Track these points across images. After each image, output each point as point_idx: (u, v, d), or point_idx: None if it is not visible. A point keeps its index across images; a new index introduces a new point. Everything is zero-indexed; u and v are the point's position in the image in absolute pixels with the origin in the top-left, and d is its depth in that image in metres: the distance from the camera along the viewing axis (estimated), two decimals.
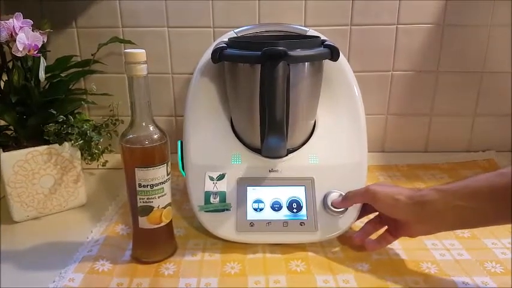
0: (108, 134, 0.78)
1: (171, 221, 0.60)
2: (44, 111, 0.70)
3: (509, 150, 0.95)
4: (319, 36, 0.66)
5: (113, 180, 0.87)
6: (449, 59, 0.89)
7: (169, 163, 0.57)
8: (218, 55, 0.61)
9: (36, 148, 0.69)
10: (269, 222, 0.62)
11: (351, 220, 0.63)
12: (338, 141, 0.67)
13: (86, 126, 0.73)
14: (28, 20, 0.63)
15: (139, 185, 0.55)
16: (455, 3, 0.85)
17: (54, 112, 0.70)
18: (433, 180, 0.85)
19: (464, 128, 0.95)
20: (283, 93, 0.55)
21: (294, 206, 0.63)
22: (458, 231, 0.66)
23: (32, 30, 0.63)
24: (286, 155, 0.66)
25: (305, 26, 0.73)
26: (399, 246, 0.62)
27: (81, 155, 0.74)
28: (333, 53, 0.60)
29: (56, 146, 0.70)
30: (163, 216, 0.58)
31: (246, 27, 0.72)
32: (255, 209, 0.63)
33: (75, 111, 0.77)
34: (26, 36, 0.61)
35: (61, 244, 0.64)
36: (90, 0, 0.85)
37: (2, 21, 0.61)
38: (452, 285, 0.54)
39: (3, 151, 0.68)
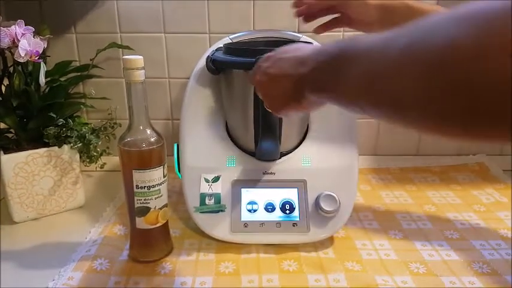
0: (106, 137, 0.79)
1: (167, 221, 0.61)
2: (44, 115, 0.72)
3: (499, 154, 0.97)
4: (311, 43, 0.68)
5: (111, 182, 0.88)
6: None
7: (165, 165, 0.58)
8: (212, 63, 0.62)
9: (36, 150, 0.70)
10: (263, 223, 0.63)
11: (342, 221, 0.64)
12: (330, 145, 0.68)
13: (84, 130, 0.74)
14: (30, 27, 0.64)
15: (137, 187, 0.56)
16: None
17: (54, 115, 0.72)
18: (424, 183, 0.87)
19: None
20: None
21: (287, 207, 0.64)
22: (447, 233, 0.68)
23: (33, 37, 0.64)
24: (280, 158, 0.67)
25: (298, 32, 0.75)
26: (389, 246, 0.64)
27: (80, 157, 0.76)
28: None
29: (56, 148, 0.72)
30: (160, 217, 0.59)
31: (240, 34, 0.74)
32: (249, 210, 0.64)
33: (74, 115, 0.78)
34: (27, 43, 0.62)
35: (60, 244, 0.66)
36: (91, 0, 0.87)
37: (4, 28, 0.62)
38: (439, 284, 0.55)
39: (4, 153, 0.69)
